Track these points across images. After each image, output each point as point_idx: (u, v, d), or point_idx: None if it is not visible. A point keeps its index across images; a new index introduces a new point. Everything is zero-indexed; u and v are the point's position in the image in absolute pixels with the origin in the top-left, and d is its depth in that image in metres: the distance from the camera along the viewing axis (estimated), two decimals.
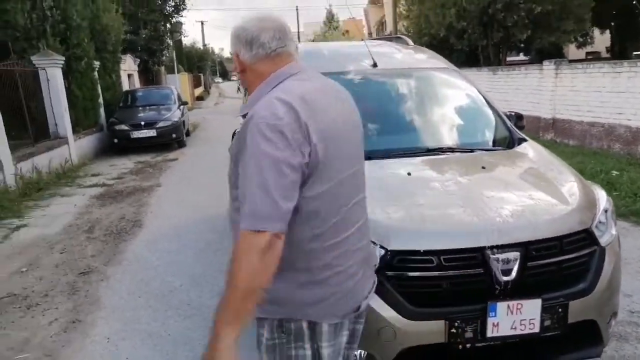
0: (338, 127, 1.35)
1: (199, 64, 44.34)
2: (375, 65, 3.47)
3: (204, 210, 5.86)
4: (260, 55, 1.37)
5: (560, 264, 2.14)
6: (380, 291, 2.00)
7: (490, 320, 2.02)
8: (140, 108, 12.41)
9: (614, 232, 2.40)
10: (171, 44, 23.93)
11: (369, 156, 2.78)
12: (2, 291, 3.88)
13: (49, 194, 7.34)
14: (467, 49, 15.31)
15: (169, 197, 6.84)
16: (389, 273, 2.03)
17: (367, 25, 33.51)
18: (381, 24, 33.03)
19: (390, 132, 3.16)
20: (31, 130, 8.53)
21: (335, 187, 1.33)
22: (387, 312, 1.99)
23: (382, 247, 2.04)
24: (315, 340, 1.44)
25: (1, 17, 8.89)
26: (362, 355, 2.09)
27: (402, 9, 19.65)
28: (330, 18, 44.90)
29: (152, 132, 11.20)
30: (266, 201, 1.16)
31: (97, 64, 11.44)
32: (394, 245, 2.05)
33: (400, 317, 2.00)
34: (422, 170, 2.67)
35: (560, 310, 2.08)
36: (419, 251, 2.05)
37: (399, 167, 2.67)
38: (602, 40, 21.88)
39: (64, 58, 9.63)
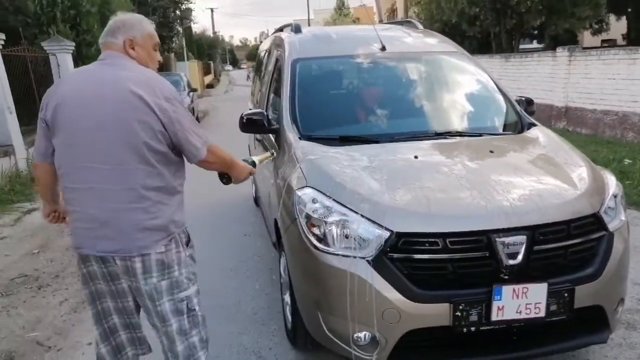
0: (77, 105, 1.68)
1: (209, 52, 44.27)
2: (383, 48, 3.43)
3: (214, 196, 5.85)
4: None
5: (568, 248, 2.13)
6: (385, 273, 2.01)
7: (495, 304, 2.01)
8: None
9: (623, 217, 2.37)
10: (181, 31, 23.90)
11: (377, 140, 2.80)
12: (15, 272, 3.95)
13: None
14: (479, 35, 15.11)
15: None
16: (394, 255, 2.02)
17: (378, 13, 33.16)
18: (392, 11, 32.66)
19: (397, 116, 3.13)
20: None
21: (66, 146, 1.70)
22: (391, 294, 1.99)
23: (387, 229, 2.04)
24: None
25: (12, 3, 8.94)
26: (367, 337, 2.10)
27: None
28: (341, 5, 44.52)
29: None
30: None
31: None
32: (399, 228, 2.04)
33: (404, 299, 1.99)
34: (430, 154, 2.65)
35: (566, 295, 2.07)
36: (424, 233, 2.04)
37: (406, 150, 2.65)
38: (618, 27, 21.37)
39: (74, 44, 9.67)
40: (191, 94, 13.00)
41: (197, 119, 13.77)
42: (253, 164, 2.18)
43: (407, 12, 19.99)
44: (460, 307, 2.00)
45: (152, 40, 1.87)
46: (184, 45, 24.61)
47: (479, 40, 15.33)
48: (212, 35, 50.80)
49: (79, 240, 1.76)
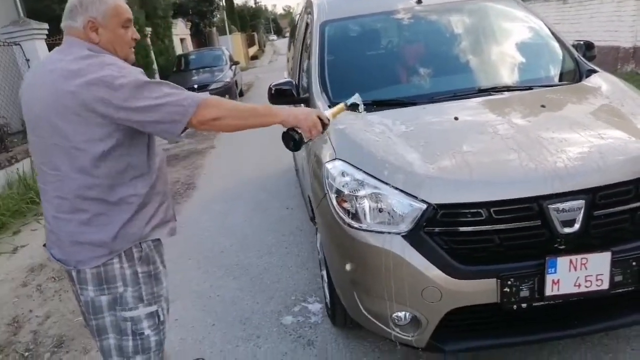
0: (31, 98, 1.51)
1: (252, 23, 44.11)
2: (419, 1, 3.16)
3: (256, 169, 5.84)
4: None
5: (635, 211, 1.85)
6: (423, 249, 1.84)
7: (549, 277, 1.79)
8: (193, 71, 12.54)
9: None
10: (222, 5, 23.83)
11: (414, 102, 2.58)
12: None
13: None
14: None
15: (222, 159, 6.90)
16: (433, 229, 1.84)
17: None
18: None
19: (436, 75, 2.86)
20: None
21: (32, 143, 1.57)
22: (430, 271, 1.82)
23: (423, 201, 1.85)
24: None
25: None
26: (407, 316, 1.96)
27: None
28: None
29: (205, 95, 11.28)
30: None
31: (148, 30, 11.59)
32: (437, 199, 1.84)
33: (446, 276, 1.82)
34: (471, 114, 2.40)
35: (634, 264, 1.81)
36: (465, 204, 1.84)
37: (445, 111, 2.42)
38: None
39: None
40: (233, 67, 12.97)
41: (241, 92, 13.78)
42: (324, 117, 1.75)
43: None
44: (509, 283, 1.80)
45: (119, 17, 1.55)
46: (225, 18, 24.53)
47: None
48: (254, 5, 50.55)
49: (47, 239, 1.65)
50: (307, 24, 3.64)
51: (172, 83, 1.53)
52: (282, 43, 55.00)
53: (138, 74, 1.48)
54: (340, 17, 3.24)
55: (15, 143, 6.71)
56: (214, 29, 23.05)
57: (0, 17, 7.53)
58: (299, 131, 1.71)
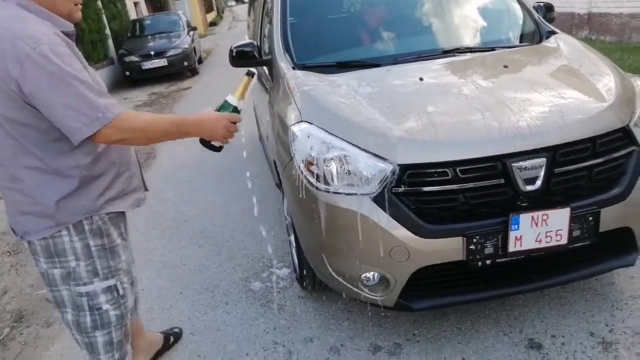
0: None
1: None
2: None
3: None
4: None
5: (592, 168, 1.92)
6: (391, 209, 1.85)
7: (512, 234, 1.84)
8: (149, 37, 12.02)
9: None
10: None
11: (378, 63, 2.55)
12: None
13: None
14: None
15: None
16: (399, 189, 1.85)
17: None
18: None
19: (399, 36, 2.83)
20: None
21: None
22: (398, 230, 1.84)
23: (389, 162, 1.85)
24: None
25: None
26: (375, 277, 1.99)
27: None
28: None
29: (163, 62, 10.89)
30: None
31: None
32: (403, 159, 1.85)
33: (413, 235, 1.84)
34: (436, 75, 2.40)
35: (590, 219, 1.89)
36: (431, 164, 1.85)
37: (410, 72, 2.41)
38: None
39: None
40: (191, 33, 12.49)
41: (200, 59, 13.35)
42: (234, 109, 1.64)
43: None
44: (475, 240, 1.84)
45: None
46: None
47: None
48: None
49: None
50: None
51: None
52: (241, 9, 53.30)
53: None
54: None
55: None
56: None
57: None
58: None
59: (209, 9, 34.75)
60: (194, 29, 13.31)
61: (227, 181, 4.33)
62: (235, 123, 1.62)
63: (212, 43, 18.62)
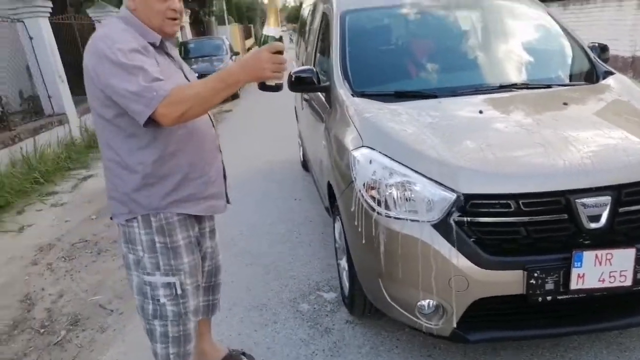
0: None
1: (248, 15, 43.76)
2: None
3: (262, 159, 5.84)
4: None
5: None
6: (451, 238, 1.86)
7: (574, 271, 1.83)
8: (193, 60, 12.44)
9: None
10: None
11: (436, 94, 2.60)
12: (75, 237, 4.07)
13: None
14: None
15: (225, 149, 6.82)
16: (461, 218, 1.87)
17: None
18: None
19: (458, 69, 2.90)
20: None
21: None
22: (458, 259, 1.85)
23: (453, 190, 1.88)
24: None
25: None
26: (431, 305, 1.99)
27: None
28: None
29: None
30: None
31: None
32: (467, 189, 1.87)
33: (473, 265, 1.84)
34: (495, 108, 2.43)
35: None
36: (494, 195, 1.87)
37: (469, 105, 2.45)
38: None
39: (118, 9, 9.66)
40: (233, 57, 12.90)
41: None
42: (273, 39, 1.52)
43: None
44: (535, 275, 1.84)
45: None
46: (224, 8, 24.34)
47: None
48: None
49: None
50: (323, 14, 3.63)
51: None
52: None
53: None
54: (361, 7, 3.25)
55: (15, 122, 6.62)
56: (213, 19, 22.86)
57: None
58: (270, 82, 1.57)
59: (247, 35, 35.82)
60: (237, 53, 13.75)
61: (272, 203, 4.40)
62: (279, 53, 1.50)
63: None
